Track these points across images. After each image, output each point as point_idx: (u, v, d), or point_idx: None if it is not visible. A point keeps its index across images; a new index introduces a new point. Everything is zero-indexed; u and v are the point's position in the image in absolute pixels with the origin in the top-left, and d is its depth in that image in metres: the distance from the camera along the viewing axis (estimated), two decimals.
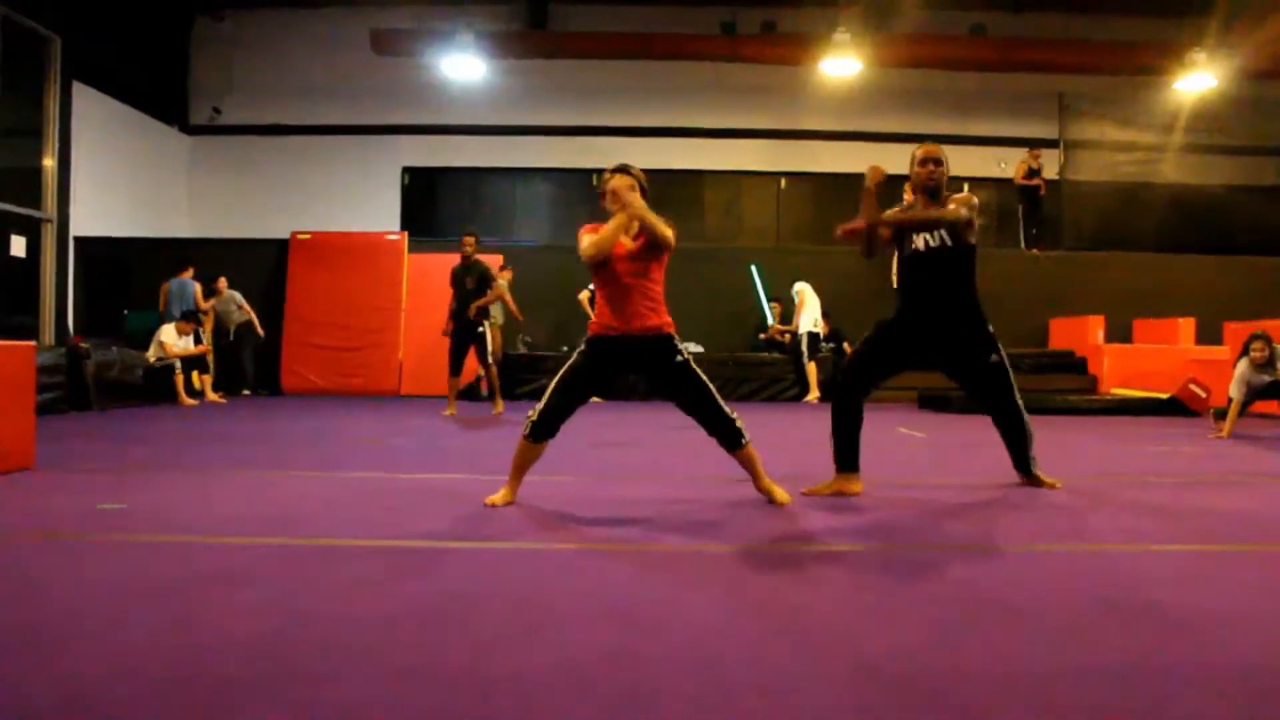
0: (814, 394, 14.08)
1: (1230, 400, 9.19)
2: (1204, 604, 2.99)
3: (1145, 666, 2.37)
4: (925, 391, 13.35)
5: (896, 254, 5.43)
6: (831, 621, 2.77)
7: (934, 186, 5.25)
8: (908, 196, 16.33)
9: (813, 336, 14.15)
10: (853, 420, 5.17)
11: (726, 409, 4.69)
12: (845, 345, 14.94)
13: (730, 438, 4.71)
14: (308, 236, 15.54)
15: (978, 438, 9.00)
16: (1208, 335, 14.51)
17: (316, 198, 18.19)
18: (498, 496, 4.64)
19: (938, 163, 5.27)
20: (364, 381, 14.87)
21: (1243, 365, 9.12)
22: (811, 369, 14.14)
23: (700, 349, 14.43)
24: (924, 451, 7.94)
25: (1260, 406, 9.58)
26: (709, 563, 3.55)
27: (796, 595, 3.08)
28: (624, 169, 4.68)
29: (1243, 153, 18.67)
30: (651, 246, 4.66)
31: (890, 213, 5.41)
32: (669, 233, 4.60)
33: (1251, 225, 17.89)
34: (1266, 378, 9.07)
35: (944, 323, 5.22)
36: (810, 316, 14.16)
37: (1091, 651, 2.49)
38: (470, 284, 10.95)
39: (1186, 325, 14.80)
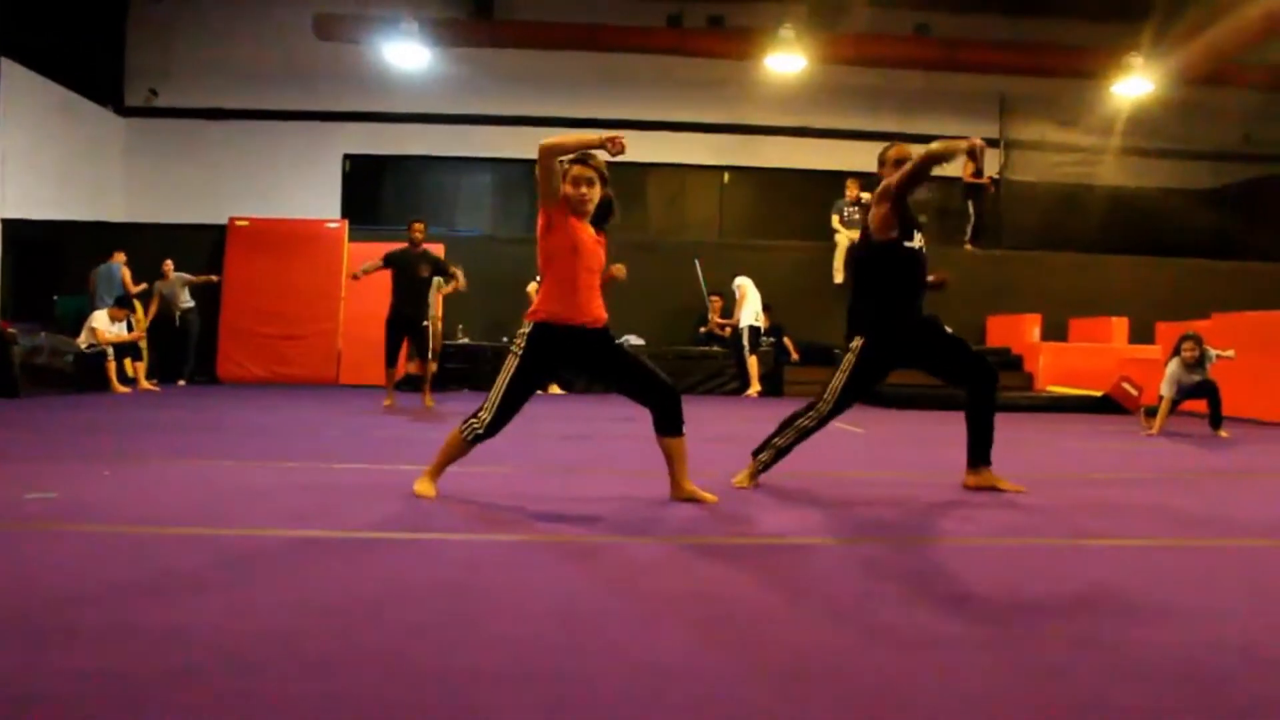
0: (755, 388, 14.12)
1: (1161, 398, 9.35)
2: (1134, 597, 3.02)
3: (1083, 661, 2.38)
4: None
5: (877, 247, 5.18)
6: (766, 615, 2.76)
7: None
8: (851, 193, 16.37)
9: (753, 330, 14.20)
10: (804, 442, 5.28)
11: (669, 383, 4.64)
12: (786, 339, 15.00)
13: (675, 413, 4.59)
14: (246, 223, 15.30)
15: (915, 431, 9.09)
16: (1140, 335, 14.75)
17: (256, 183, 17.91)
18: (421, 486, 4.61)
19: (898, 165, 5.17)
20: (302, 370, 14.68)
21: (1174, 365, 9.27)
22: (752, 363, 14.18)
23: (641, 342, 14.42)
24: (861, 445, 7.98)
25: (1189, 405, 9.74)
26: (647, 555, 3.53)
27: (733, 588, 3.07)
28: (584, 160, 4.57)
29: (1177, 156, 19.01)
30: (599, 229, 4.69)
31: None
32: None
33: (1184, 228, 18.23)
34: (1196, 377, 9.23)
35: (918, 327, 5.19)
36: (751, 310, 14.20)
37: (1029, 646, 2.50)
38: (425, 272, 10.80)
39: (1120, 325, 15.03)
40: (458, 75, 18.10)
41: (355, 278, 10.75)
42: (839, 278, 15.46)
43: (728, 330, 14.76)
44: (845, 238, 15.45)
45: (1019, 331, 15.32)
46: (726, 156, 19.02)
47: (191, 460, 5.93)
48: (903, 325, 5.13)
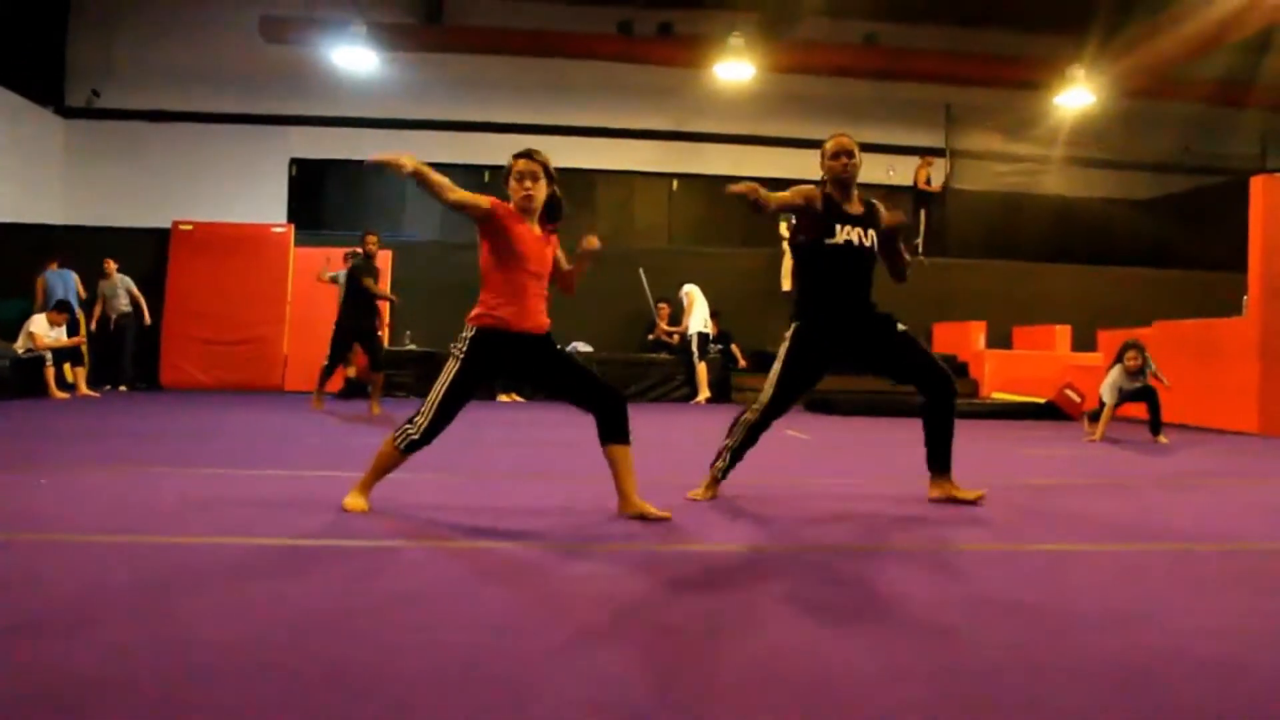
0: (704, 394, 14.17)
1: (1102, 404, 9.51)
2: (1072, 602, 3.05)
3: (1017, 664, 2.39)
4: (812, 394, 13.49)
5: (800, 248, 5.06)
6: (703, 624, 2.75)
7: (847, 179, 4.99)
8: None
9: (702, 337, 14.24)
10: (756, 441, 5.14)
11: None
12: (734, 346, 15.04)
13: (620, 418, 4.39)
14: (190, 227, 15.10)
15: (860, 437, 9.14)
16: (1082, 342, 14.96)
17: (200, 187, 17.70)
18: (352, 501, 4.36)
19: (850, 155, 4.99)
20: (247, 376, 14.51)
21: (1115, 372, 9.44)
22: (701, 369, 14.22)
23: (589, 349, 14.40)
24: (808, 452, 8.01)
25: (1130, 411, 9.89)
26: (580, 564, 3.52)
27: (666, 599, 3.06)
28: (529, 154, 4.44)
29: (1118, 167, 19.33)
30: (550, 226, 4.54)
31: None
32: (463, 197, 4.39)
33: (1126, 237, 18.54)
34: (1137, 384, 9.40)
35: (860, 320, 5.02)
36: (699, 318, 14.25)
37: (964, 650, 2.51)
38: (374, 285, 10.75)
39: (1063, 332, 15.23)
40: (406, 80, 18.01)
41: (333, 280, 10.76)
42: (786, 285, 15.53)
43: (675, 337, 14.78)
44: None
45: (964, 339, 15.48)
46: (675, 164, 19.06)
47: (125, 466, 5.83)
48: (833, 314, 4.97)
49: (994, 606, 3.01)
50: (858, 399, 12.56)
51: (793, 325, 5.02)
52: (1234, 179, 15.36)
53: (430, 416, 4.28)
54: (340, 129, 18.16)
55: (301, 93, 17.95)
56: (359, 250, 10.89)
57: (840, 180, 4.98)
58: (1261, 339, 10.75)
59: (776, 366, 5.01)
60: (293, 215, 17.73)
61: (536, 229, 4.47)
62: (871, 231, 4.98)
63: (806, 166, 18.50)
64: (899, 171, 18.00)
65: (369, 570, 3.30)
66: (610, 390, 4.45)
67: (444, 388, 4.30)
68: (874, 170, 18.52)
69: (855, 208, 5.02)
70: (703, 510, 4.71)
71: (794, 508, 4.89)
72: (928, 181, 17.00)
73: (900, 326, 5.04)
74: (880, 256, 5.07)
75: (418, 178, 4.22)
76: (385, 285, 13.90)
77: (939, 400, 5.04)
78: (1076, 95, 17.25)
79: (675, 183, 19.26)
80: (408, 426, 4.31)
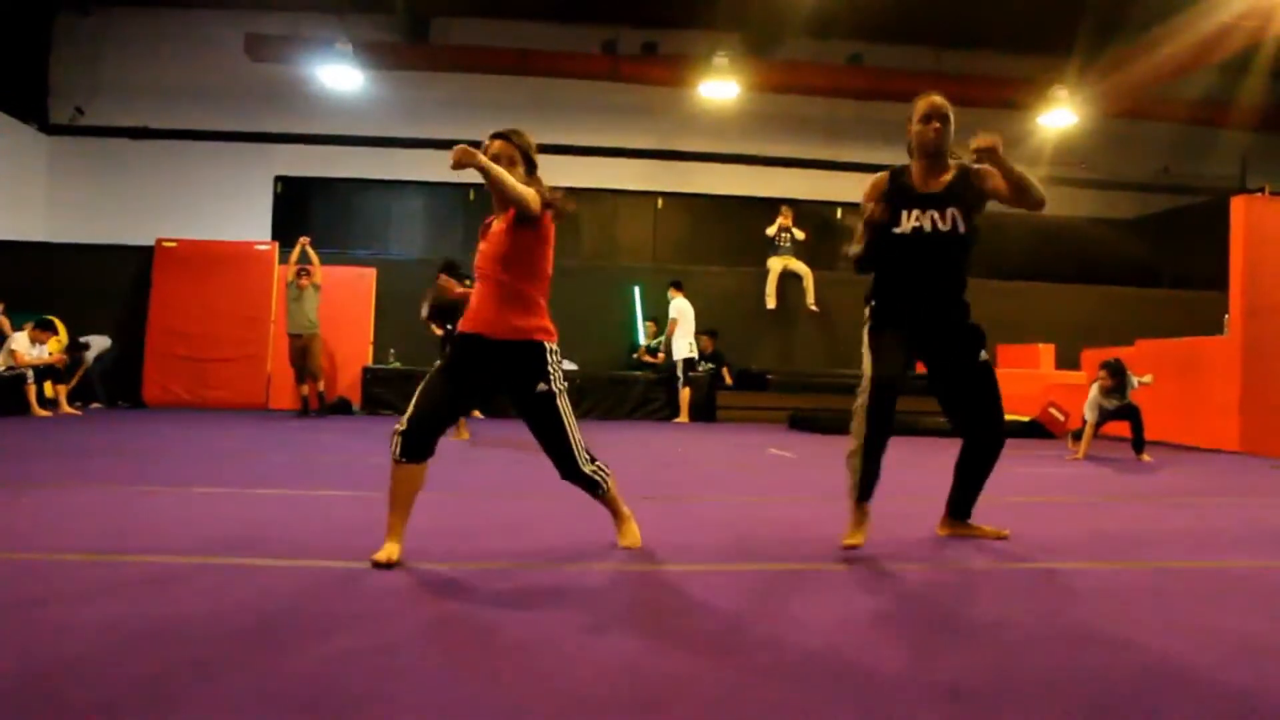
0: (683, 417, 14.21)
1: (1085, 423, 9.56)
2: (1051, 620, 3.05)
3: (994, 685, 2.39)
4: (796, 412, 13.51)
5: (869, 238, 4.48)
6: (624, 642, 2.74)
7: (936, 149, 4.39)
8: (783, 220, 16.46)
9: (687, 362, 14.27)
10: (890, 424, 4.40)
11: (583, 457, 3.97)
12: (724, 370, 15.00)
13: (585, 487, 4.05)
14: (174, 244, 15.06)
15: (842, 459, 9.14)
16: (1066, 361, 15.02)
17: (184, 204, 17.64)
18: (383, 553, 3.64)
19: (945, 119, 4.40)
20: (230, 394, 14.47)
21: (1094, 390, 9.52)
22: (685, 394, 14.24)
23: (574, 366, 14.40)
24: (791, 470, 8.01)
25: (1115, 429, 9.94)
26: (530, 582, 3.51)
27: (577, 613, 3.05)
28: (505, 135, 4.05)
29: (1101, 187, 19.45)
30: (521, 223, 3.93)
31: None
32: (525, 193, 3.81)
33: (1109, 256, 18.65)
34: (1116, 402, 9.46)
35: (937, 323, 4.47)
36: (685, 341, 14.27)
37: (928, 666, 2.51)
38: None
39: (1047, 351, 15.28)
40: (392, 98, 18.01)
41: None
42: (771, 303, 15.59)
43: (660, 357, 14.80)
44: (778, 264, 15.61)
45: None
46: (660, 182, 19.08)
47: (105, 485, 5.80)
48: (905, 311, 4.40)
49: (974, 625, 3.01)
50: (841, 417, 12.55)
51: (869, 304, 4.53)
52: (1215, 199, 15.48)
53: (412, 408, 3.83)
54: (326, 147, 18.14)
55: (287, 110, 17.93)
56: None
57: (926, 150, 4.40)
58: (1243, 358, 10.83)
59: (865, 344, 4.45)
60: (278, 233, 17.67)
61: (502, 220, 4.01)
62: (954, 212, 4.34)
63: (792, 185, 18.65)
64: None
65: (289, 586, 3.28)
66: (573, 473, 4.00)
67: (425, 380, 3.94)
68: (856, 190, 18.58)
69: (935, 184, 4.39)
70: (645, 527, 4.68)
71: (773, 523, 4.87)
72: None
73: (983, 355, 4.49)
74: (1011, 199, 4.41)
75: (487, 177, 3.80)
76: (370, 305, 13.96)
77: (983, 450, 4.55)
78: (1059, 116, 17.35)
79: (660, 201, 19.28)
80: (396, 425, 3.82)
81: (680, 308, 14.41)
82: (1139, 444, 9.46)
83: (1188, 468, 8.96)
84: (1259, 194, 11.99)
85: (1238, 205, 11.27)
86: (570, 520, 4.74)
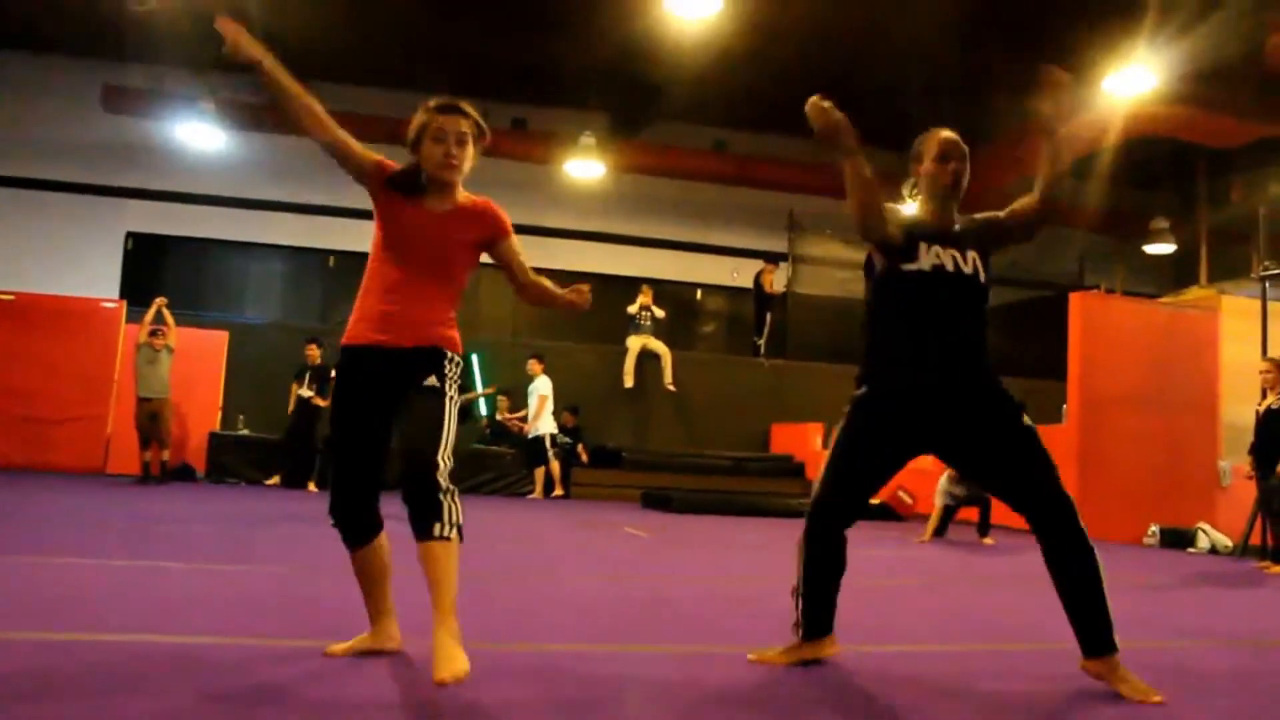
0: (539, 492, 14.17)
1: (935, 507, 9.92)
2: (887, 701, 3.09)
3: None
4: (650, 490, 13.55)
5: (873, 278, 3.71)
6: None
7: (953, 194, 3.66)
8: (644, 299, 16.57)
9: (552, 438, 14.27)
10: (837, 560, 3.60)
11: (444, 467, 3.02)
12: (580, 446, 14.96)
13: (428, 506, 2.94)
14: (11, 297, 14.42)
15: (695, 538, 9.19)
16: None
17: (26, 256, 16.89)
18: (348, 644, 3.27)
19: (963, 159, 3.67)
20: (66, 457, 13.79)
21: (944, 479, 9.91)
22: (555, 468, 14.20)
23: None
24: (647, 550, 8.02)
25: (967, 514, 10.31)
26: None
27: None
28: (457, 109, 3.37)
29: None
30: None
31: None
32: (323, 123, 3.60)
33: None
34: (964, 490, 9.84)
35: (960, 389, 3.46)
36: (549, 420, 14.26)
37: None
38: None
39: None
40: (254, 159, 17.71)
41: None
42: (629, 382, 15.70)
43: (516, 427, 14.75)
44: (637, 343, 15.76)
45: (801, 440, 15.78)
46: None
47: None
48: (917, 377, 3.46)
49: (809, 706, 3.03)
50: (694, 498, 12.67)
51: (855, 393, 3.63)
52: (1056, 293, 16.23)
53: (332, 480, 3.31)
54: (181, 204, 17.68)
55: (142, 165, 17.43)
56: None
57: (940, 193, 3.68)
58: (1080, 446, 11.28)
59: (831, 449, 3.66)
60: (126, 291, 17.10)
61: (446, 205, 3.41)
62: (974, 255, 3.53)
63: (654, 265, 18.85)
64: (742, 274, 18.46)
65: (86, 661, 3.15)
66: (424, 484, 2.98)
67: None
68: (718, 272, 19.06)
69: (950, 225, 3.66)
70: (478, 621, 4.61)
71: (636, 605, 4.85)
72: (770, 284, 17.46)
73: (1026, 419, 3.46)
74: (1014, 236, 3.72)
75: (264, 75, 3.40)
76: (220, 369, 13.68)
77: (1060, 535, 3.38)
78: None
79: None
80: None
81: (545, 384, 14.38)
82: (984, 528, 9.86)
83: (1025, 551, 9.27)
84: (1095, 291, 12.62)
85: (1075, 301, 11.82)
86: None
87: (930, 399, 3.43)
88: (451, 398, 3.19)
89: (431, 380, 3.18)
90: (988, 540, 9.72)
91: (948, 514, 10.11)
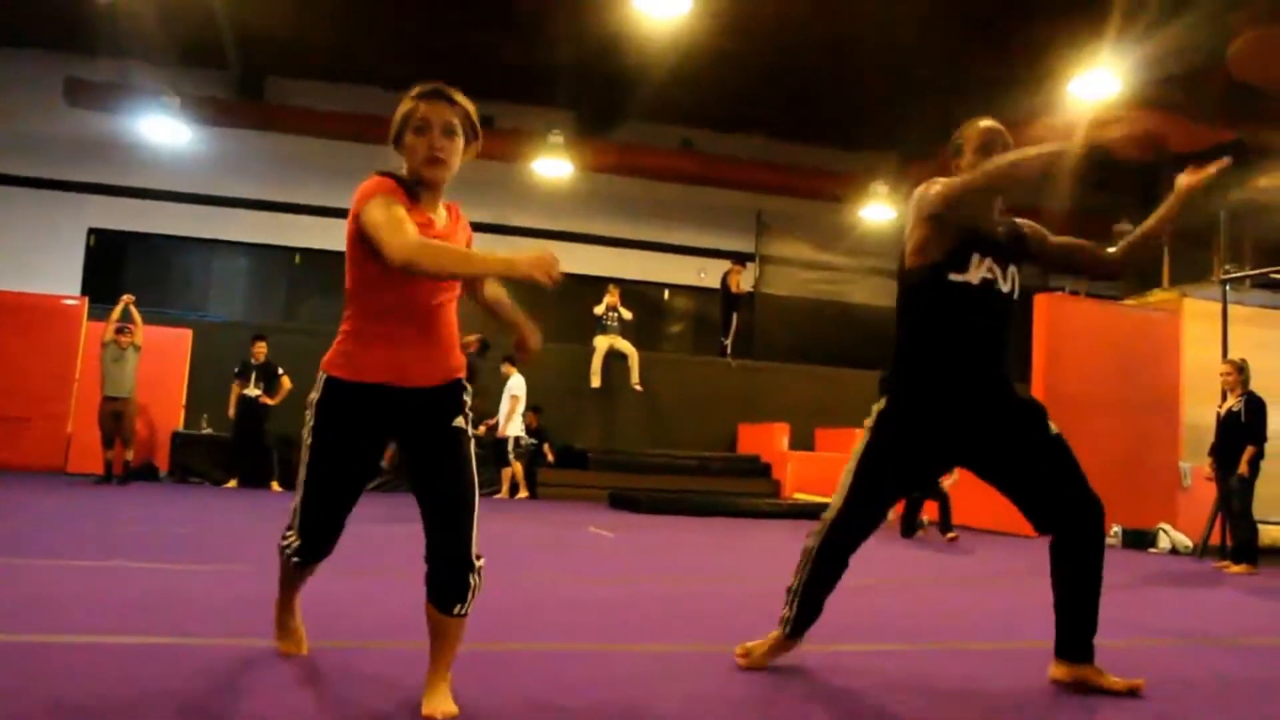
0: (523, 492, 14.13)
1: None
2: (853, 705, 3.09)
3: None
4: (616, 491, 13.53)
5: (913, 282, 3.45)
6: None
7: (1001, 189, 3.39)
8: (610, 299, 16.53)
9: (516, 440, 14.19)
10: (840, 572, 3.56)
11: (476, 540, 2.82)
12: (546, 447, 14.90)
13: (455, 587, 2.73)
14: None
15: (661, 539, 9.18)
16: None
17: None
18: (282, 646, 3.27)
19: (1008, 149, 3.38)
20: (24, 456, 13.61)
21: None
22: (519, 469, 14.14)
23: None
24: (612, 552, 8.00)
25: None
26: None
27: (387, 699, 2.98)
28: (444, 95, 2.99)
29: None
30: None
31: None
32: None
33: None
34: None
35: (988, 403, 3.37)
36: (519, 422, 14.19)
37: None
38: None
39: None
40: (220, 155, 17.54)
41: None
42: (596, 382, 15.67)
43: (483, 430, 14.69)
44: (604, 343, 15.74)
45: (768, 440, 15.82)
46: None
47: None
48: (950, 391, 3.35)
49: (778, 710, 3.03)
50: (661, 498, 12.66)
51: (880, 403, 3.54)
52: (1021, 295, 16.31)
53: (300, 509, 3.01)
54: (145, 201, 17.49)
55: (105, 160, 17.22)
56: None
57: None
58: None
59: (849, 465, 3.52)
60: (88, 288, 16.90)
61: (441, 214, 3.03)
62: (1014, 272, 3.45)
63: (621, 265, 18.83)
64: (709, 274, 18.48)
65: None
66: (459, 556, 2.76)
67: (304, 465, 2.97)
68: (686, 272, 19.07)
69: (997, 232, 3.46)
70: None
71: (580, 608, 4.85)
72: (737, 285, 17.49)
73: (1054, 427, 3.40)
74: (1076, 269, 3.74)
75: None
76: (184, 367, 13.57)
77: (1081, 541, 3.30)
78: (879, 209, 18.13)
79: None
80: (286, 534, 3.13)
81: (519, 385, 14.28)
82: (945, 525, 10.09)
83: (994, 551, 9.33)
84: (1060, 292, 12.72)
85: (1040, 303, 11.92)
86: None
87: (963, 413, 3.35)
88: (473, 437, 2.95)
89: (459, 421, 2.89)
90: (951, 535, 9.93)
91: (913, 508, 10.26)
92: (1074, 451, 3.37)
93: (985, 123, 3.44)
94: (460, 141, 2.96)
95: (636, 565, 7.11)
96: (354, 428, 2.88)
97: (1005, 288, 3.37)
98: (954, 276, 3.29)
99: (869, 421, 3.47)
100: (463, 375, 2.99)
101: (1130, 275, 3.40)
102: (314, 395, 2.92)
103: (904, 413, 3.38)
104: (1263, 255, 16.76)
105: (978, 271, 3.30)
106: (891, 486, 3.47)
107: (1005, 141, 3.37)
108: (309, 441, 2.92)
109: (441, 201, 3.03)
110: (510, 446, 14.10)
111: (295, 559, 3.08)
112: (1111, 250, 3.54)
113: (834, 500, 3.46)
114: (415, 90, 2.95)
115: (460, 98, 2.97)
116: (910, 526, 10.21)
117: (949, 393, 3.33)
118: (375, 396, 2.83)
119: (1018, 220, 3.53)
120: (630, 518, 11.46)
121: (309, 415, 2.92)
